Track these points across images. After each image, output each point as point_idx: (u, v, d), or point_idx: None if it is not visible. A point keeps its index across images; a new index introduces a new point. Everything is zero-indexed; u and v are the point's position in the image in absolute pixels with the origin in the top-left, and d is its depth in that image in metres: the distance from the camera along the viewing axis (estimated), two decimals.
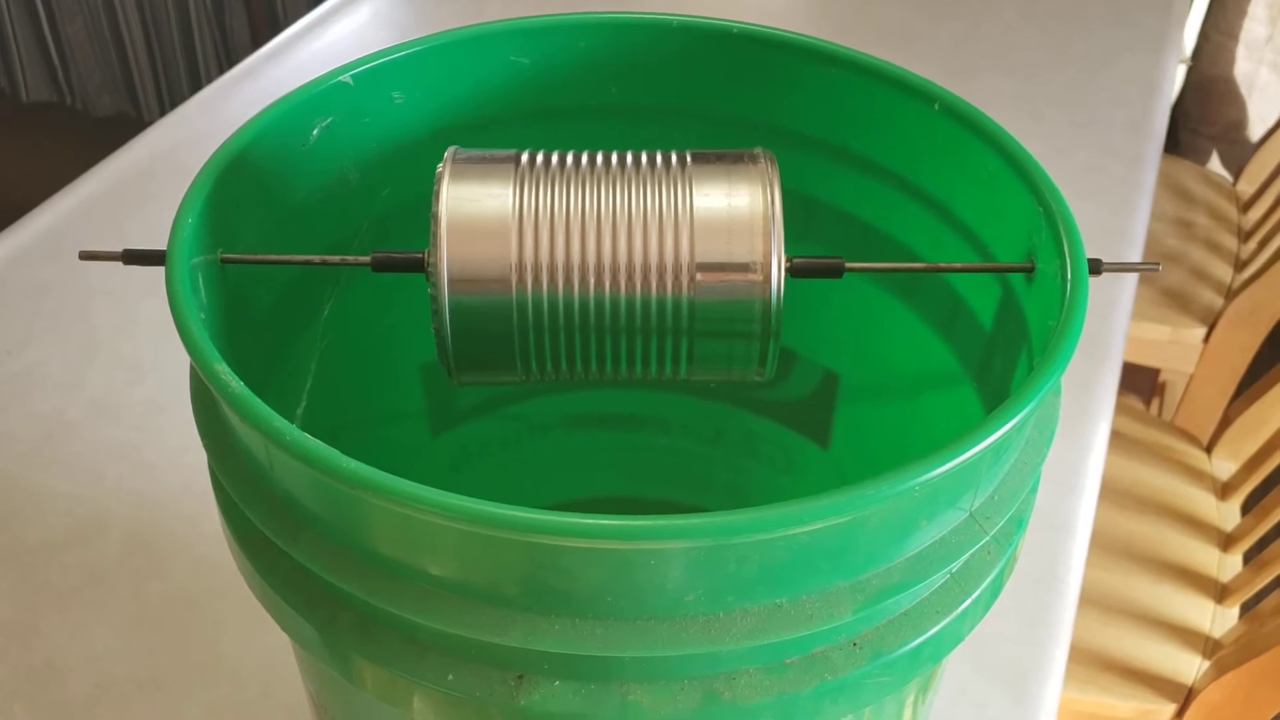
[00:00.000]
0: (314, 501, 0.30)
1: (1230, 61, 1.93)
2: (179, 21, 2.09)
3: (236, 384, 0.29)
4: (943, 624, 0.32)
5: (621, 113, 0.44)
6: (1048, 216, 0.35)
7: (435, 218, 0.33)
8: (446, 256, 0.32)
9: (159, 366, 0.75)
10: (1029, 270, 0.36)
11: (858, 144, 0.42)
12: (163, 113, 2.20)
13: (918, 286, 0.43)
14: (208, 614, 0.61)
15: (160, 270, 0.33)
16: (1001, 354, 0.38)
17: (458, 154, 0.34)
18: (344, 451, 0.28)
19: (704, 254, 0.32)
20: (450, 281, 0.32)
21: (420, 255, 0.35)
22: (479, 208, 0.33)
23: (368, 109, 0.41)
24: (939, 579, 0.32)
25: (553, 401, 0.52)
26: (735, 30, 0.42)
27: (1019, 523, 0.34)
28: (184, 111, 1.00)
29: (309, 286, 0.42)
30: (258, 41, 2.08)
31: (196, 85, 2.14)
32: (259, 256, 0.35)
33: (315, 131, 0.40)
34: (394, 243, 0.44)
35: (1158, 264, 0.37)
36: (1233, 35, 1.91)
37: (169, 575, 0.63)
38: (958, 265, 0.36)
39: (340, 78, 0.40)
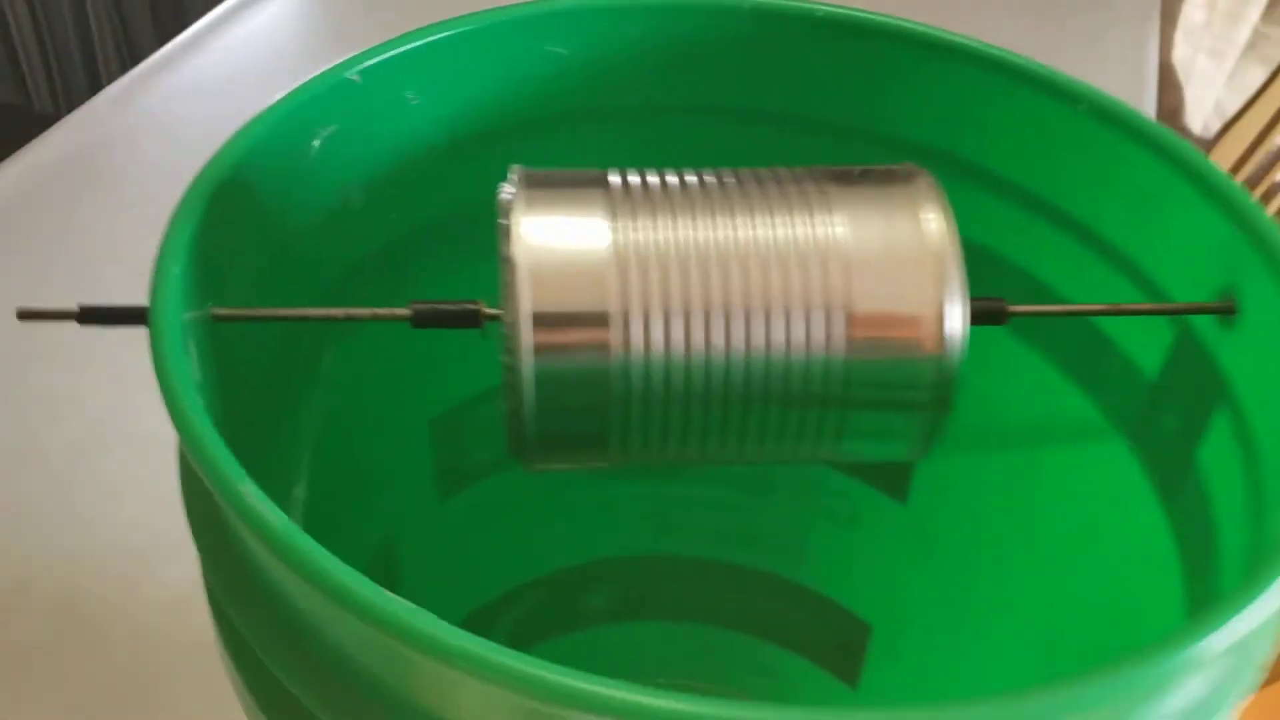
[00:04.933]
0: (360, 654, 0.22)
1: (1169, 47, 1.92)
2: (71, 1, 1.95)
3: (275, 516, 0.20)
4: None
5: (681, 114, 0.37)
6: (1257, 245, 0.28)
7: (509, 262, 0.25)
8: (532, 312, 0.25)
9: (84, 400, 0.65)
10: (1228, 312, 0.29)
11: (972, 152, 0.35)
12: (56, 103, 2.06)
13: (1041, 321, 0.36)
14: (156, 699, 0.52)
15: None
16: (1176, 411, 0.31)
17: (527, 175, 0.26)
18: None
19: (862, 300, 0.25)
20: (537, 346, 0.25)
21: (474, 307, 0.27)
22: (567, 248, 0.25)
23: (376, 113, 0.33)
24: None
25: None
26: (820, 14, 0.35)
27: None
28: (91, 108, 0.89)
29: (308, 335, 0.33)
30: (161, 24, 1.95)
31: (94, 72, 2.00)
32: (266, 311, 0.27)
33: (316, 143, 0.31)
34: (404, 278, 0.36)
35: None
36: (1171, 20, 1.89)
37: (106, 652, 0.53)
38: (1145, 307, 0.29)
39: (346, 74, 0.31)
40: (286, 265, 0.32)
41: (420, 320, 0.27)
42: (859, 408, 0.26)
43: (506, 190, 0.27)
